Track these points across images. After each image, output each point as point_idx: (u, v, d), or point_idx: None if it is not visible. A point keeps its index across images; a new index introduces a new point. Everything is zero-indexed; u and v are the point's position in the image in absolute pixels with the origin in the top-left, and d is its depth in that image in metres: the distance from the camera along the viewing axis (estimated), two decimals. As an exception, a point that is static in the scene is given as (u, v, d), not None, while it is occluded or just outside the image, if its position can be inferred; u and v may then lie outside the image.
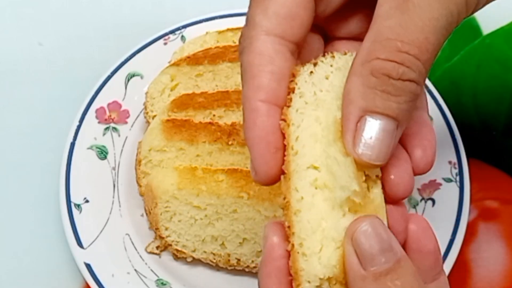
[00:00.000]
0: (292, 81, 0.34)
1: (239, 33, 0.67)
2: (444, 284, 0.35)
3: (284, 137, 0.33)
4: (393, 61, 0.31)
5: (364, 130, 0.31)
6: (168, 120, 0.58)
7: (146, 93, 0.63)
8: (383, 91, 0.31)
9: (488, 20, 0.68)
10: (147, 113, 0.62)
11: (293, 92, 0.34)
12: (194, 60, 0.63)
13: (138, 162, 0.59)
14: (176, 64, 0.63)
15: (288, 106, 0.34)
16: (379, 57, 0.31)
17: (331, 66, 0.35)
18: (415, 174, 0.35)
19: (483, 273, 0.55)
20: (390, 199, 0.34)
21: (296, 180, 0.33)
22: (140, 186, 0.59)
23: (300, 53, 0.36)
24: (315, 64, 0.35)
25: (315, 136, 0.33)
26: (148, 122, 0.62)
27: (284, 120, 0.34)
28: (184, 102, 0.60)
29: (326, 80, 0.35)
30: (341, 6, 0.37)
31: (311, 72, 0.35)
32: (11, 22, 0.73)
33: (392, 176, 0.34)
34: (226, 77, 0.62)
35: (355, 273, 0.31)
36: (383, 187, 0.34)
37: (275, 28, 0.34)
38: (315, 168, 0.33)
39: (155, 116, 0.61)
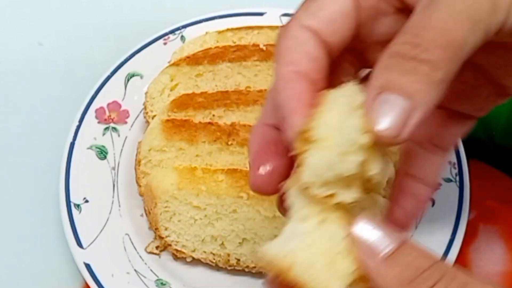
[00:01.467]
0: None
1: (239, 33, 0.67)
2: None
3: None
4: (409, 43, 0.32)
5: (378, 106, 0.31)
6: (168, 120, 0.58)
7: (146, 93, 0.63)
8: (398, 70, 0.31)
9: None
10: (146, 113, 0.62)
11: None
12: (194, 60, 0.63)
13: (138, 162, 0.59)
14: (176, 64, 0.63)
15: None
16: (397, 42, 0.32)
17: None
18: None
19: (483, 273, 0.54)
20: None
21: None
22: (139, 186, 0.59)
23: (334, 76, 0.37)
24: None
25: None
26: (148, 122, 0.62)
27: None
28: (184, 102, 0.60)
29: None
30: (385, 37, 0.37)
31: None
32: (11, 22, 0.73)
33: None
34: (226, 77, 0.62)
35: (370, 264, 0.32)
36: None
37: (312, 24, 0.35)
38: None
39: (155, 116, 0.61)
